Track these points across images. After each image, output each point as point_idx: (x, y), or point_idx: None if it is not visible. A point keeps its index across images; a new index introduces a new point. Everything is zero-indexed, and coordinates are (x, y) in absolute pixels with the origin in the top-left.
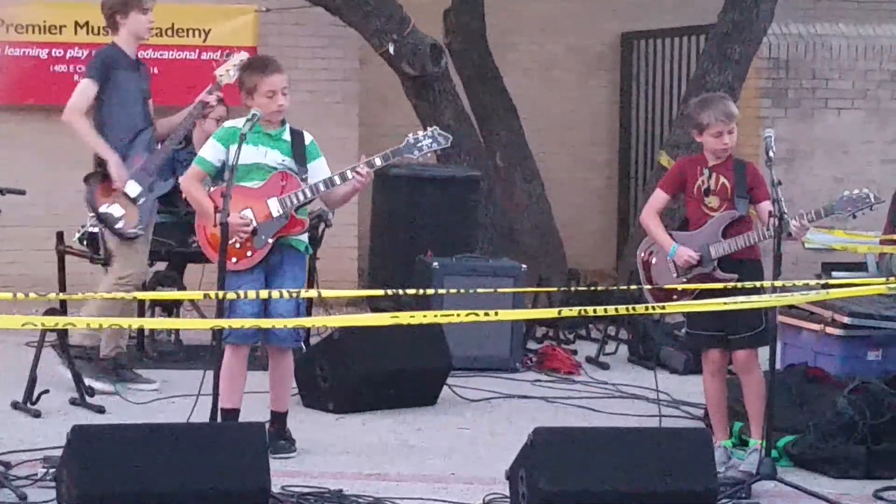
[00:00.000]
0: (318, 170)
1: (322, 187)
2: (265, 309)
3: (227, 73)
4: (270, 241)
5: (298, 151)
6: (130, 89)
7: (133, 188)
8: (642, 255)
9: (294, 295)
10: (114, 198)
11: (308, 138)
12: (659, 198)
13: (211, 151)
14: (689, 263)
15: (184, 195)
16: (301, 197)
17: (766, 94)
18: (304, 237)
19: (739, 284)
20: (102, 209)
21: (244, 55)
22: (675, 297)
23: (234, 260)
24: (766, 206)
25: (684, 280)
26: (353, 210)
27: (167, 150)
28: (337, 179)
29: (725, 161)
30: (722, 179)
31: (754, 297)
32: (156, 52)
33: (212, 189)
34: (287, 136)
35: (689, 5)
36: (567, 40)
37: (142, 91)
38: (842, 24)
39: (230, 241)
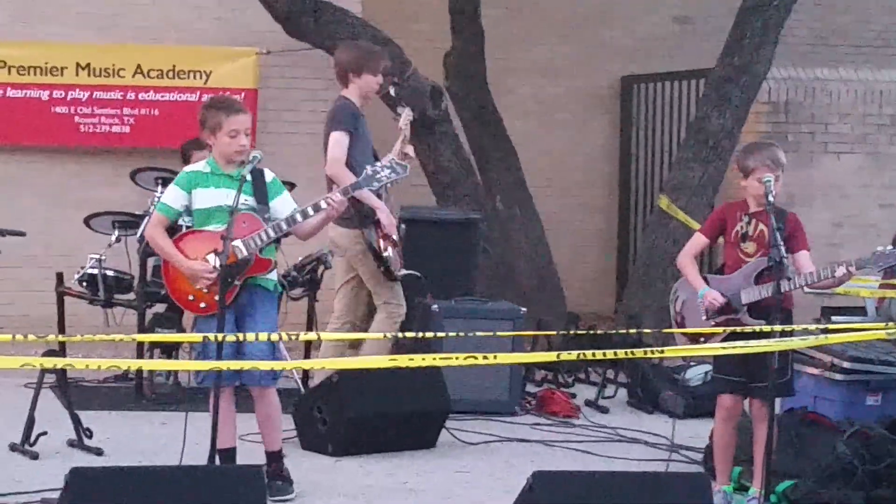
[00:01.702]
0: (283, 205)
1: (284, 226)
2: (240, 351)
3: (404, 125)
4: (237, 283)
5: (259, 190)
6: (367, 140)
7: (401, 231)
8: (674, 299)
9: (293, 338)
10: (387, 243)
11: (269, 175)
12: (698, 241)
13: (172, 197)
14: (713, 306)
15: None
16: (265, 237)
17: (766, 138)
18: (273, 276)
19: (740, 329)
20: (385, 254)
21: (406, 113)
22: (702, 339)
23: (202, 305)
24: (803, 255)
25: (712, 323)
26: None
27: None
28: (298, 217)
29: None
30: (761, 226)
31: (754, 342)
32: (157, 93)
33: (181, 233)
34: (247, 175)
35: (688, 49)
36: (567, 83)
37: (371, 141)
38: (841, 68)
39: (197, 287)
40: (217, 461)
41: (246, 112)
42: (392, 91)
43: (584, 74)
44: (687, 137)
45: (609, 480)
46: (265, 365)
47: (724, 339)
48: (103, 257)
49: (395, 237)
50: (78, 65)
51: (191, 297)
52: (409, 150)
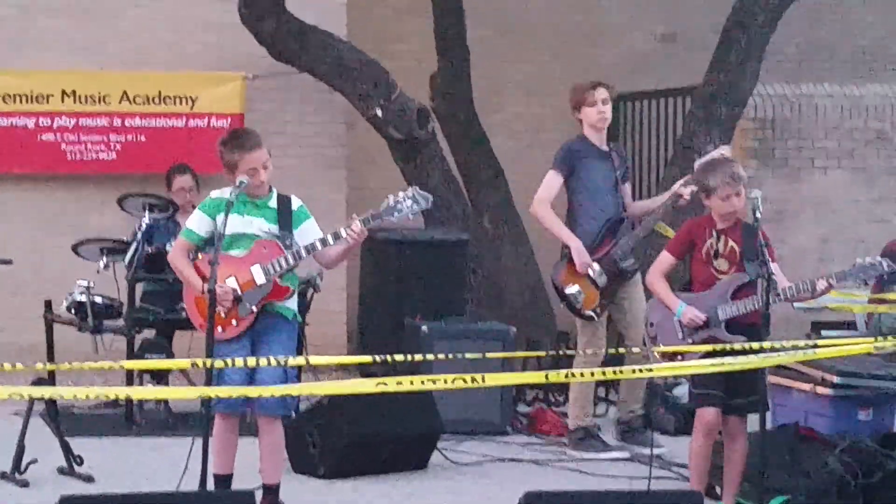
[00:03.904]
0: (307, 233)
1: (304, 253)
2: (252, 377)
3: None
4: (255, 308)
5: (285, 217)
6: (596, 179)
7: (596, 272)
8: (646, 320)
9: (282, 363)
10: (576, 280)
11: (296, 203)
12: (665, 260)
13: (197, 223)
14: (695, 323)
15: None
16: (284, 263)
17: (753, 155)
18: (292, 304)
19: (730, 346)
20: (567, 290)
21: (724, 151)
22: (679, 358)
23: (219, 329)
24: (775, 268)
25: (690, 342)
26: (342, 274)
27: (635, 236)
28: (318, 245)
29: (734, 224)
30: (731, 243)
31: (741, 358)
32: (143, 119)
33: (200, 256)
34: (273, 202)
35: (674, 67)
36: (553, 102)
37: (613, 179)
38: (827, 84)
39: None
40: (213, 486)
41: (261, 147)
42: (378, 112)
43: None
44: (674, 155)
45: (601, 499)
46: (253, 391)
47: (703, 356)
48: (91, 284)
49: (594, 274)
50: (63, 92)
51: None
52: (686, 191)
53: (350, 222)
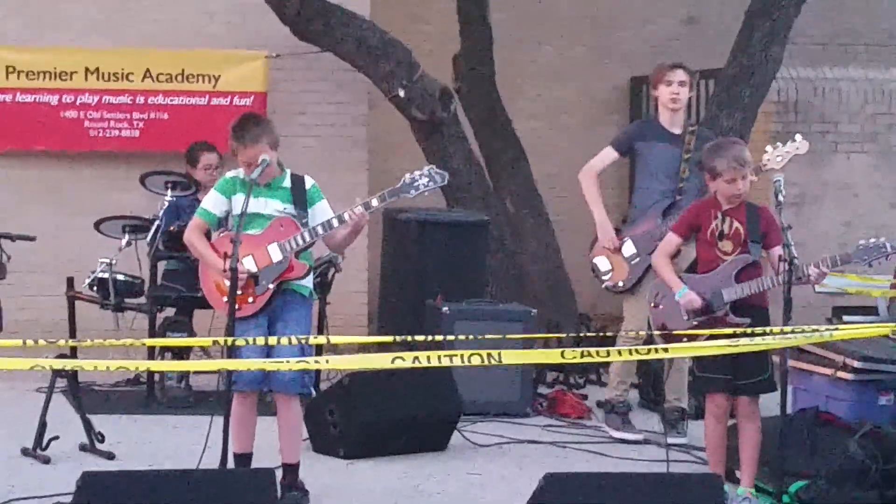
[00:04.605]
0: (321, 212)
1: (320, 230)
2: (269, 356)
3: (776, 159)
4: (271, 286)
5: (299, 196)
6: (654, 159)
7: (628, 248)
8: (651, 301)
9: (302, 341)
10: (605, 252)
11: (309, 182)
12: (671, 241)
13: (213, 202)
14: (691, 308)
15: None
16: (300, 241)
17: (776, 138)
18: (308, 282)
19: (749, 329)
20: (593, 259)
21: (799, 145)
22: (685, 340)
23: (236, 307)
24: (779, 251)
25: (695, 324)
26: (363, 255)
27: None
28: (335, 222)
29: (739, 206)
30: (736, 224)
31: (758, 340)
32: (166, 97)
33: (220, 235)
34: (287, 182)
35: (697, 50)
36: (576, 85)
37: (676, 162)
38: (851, 68)
39: None
40: (232, 465)
41: (259, 143)
42: (401, 93)
43: (593, 76)
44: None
45: (621, 481)
46: (272, 365)
47: (710, 339)
48: (114, 261)
49: (626, 253)
50: (87, 69)
51: (225, 300)
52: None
53: (354, 206)
